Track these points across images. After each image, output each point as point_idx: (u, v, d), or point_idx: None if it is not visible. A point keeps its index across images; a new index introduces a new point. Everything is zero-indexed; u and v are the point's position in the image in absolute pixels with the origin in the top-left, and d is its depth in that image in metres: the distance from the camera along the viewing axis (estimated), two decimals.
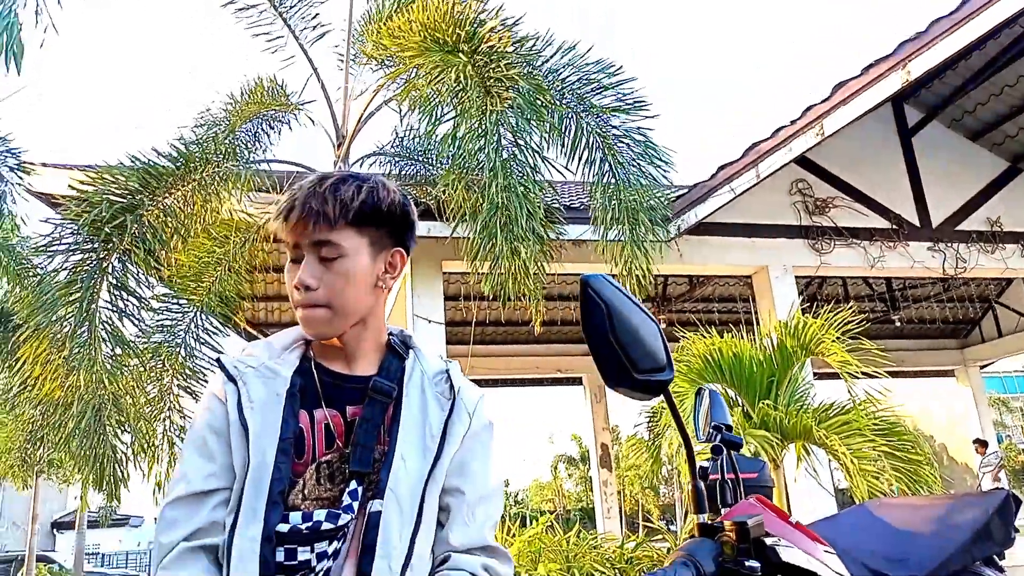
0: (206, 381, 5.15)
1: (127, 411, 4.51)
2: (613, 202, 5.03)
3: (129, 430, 4.64)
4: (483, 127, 4.29)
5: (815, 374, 6.10)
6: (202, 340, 4.98)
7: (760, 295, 7.19)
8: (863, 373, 4.90)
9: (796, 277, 7.19)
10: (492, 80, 4.23)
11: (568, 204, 6.25)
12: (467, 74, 4.24)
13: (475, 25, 4.29)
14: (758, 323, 7.32)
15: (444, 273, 6.50)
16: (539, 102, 4.36)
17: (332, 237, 1.09)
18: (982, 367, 13.62)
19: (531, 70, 4.35)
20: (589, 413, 11.24)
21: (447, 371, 1.19)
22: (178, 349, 4.90)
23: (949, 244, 7.68)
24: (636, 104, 4.88)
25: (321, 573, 1.04)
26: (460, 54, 4.26)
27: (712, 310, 10.43)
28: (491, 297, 9.81)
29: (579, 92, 4.76)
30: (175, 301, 4.78)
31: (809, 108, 6.13)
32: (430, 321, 6.22)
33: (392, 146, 5.48)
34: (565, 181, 7.71)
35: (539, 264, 4.98)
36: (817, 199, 7.45)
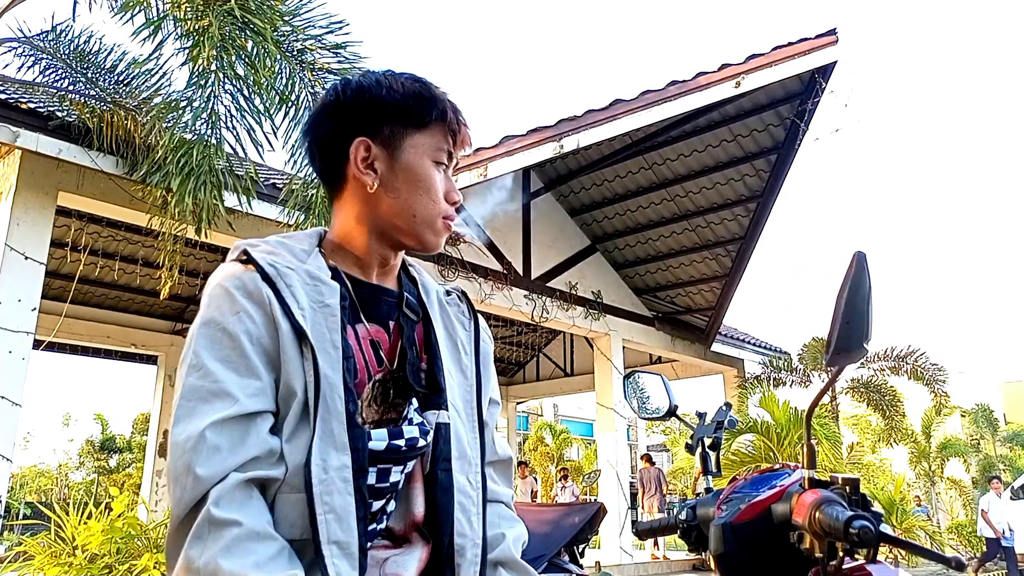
0: None
1: None
2: (311, 190, 4.86)
3: None
4: (198, 40, 3.79)
5: None
6: None
7: None
8: None
9: None
10: None
11: (270, 183, 5.88)
12: None
13: None
14: None
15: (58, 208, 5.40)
16: (265, 31, 3.97)
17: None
18: (518, 403, 16.09)
19: None
20: (159, 396, 10.21)
21: (462, 292, 1.16)
22: None
23: (539, 296, 9.05)
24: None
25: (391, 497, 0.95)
26: None
27: None
28: (100, 252, 8.41)
29: (302, 43, 4.43)
30: None
31: (478, 150, 6.73)
32: (27, 257, 5.09)
33: (43, 39, 4.39)
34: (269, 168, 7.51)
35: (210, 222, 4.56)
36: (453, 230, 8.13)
